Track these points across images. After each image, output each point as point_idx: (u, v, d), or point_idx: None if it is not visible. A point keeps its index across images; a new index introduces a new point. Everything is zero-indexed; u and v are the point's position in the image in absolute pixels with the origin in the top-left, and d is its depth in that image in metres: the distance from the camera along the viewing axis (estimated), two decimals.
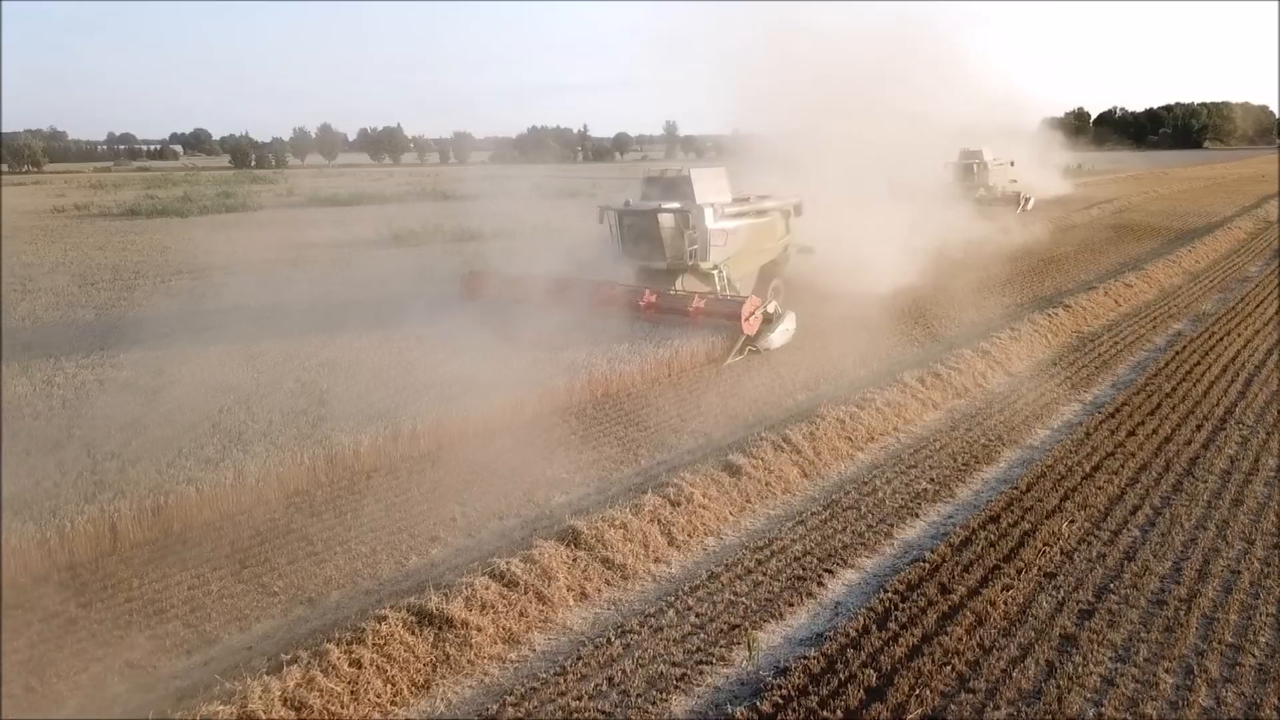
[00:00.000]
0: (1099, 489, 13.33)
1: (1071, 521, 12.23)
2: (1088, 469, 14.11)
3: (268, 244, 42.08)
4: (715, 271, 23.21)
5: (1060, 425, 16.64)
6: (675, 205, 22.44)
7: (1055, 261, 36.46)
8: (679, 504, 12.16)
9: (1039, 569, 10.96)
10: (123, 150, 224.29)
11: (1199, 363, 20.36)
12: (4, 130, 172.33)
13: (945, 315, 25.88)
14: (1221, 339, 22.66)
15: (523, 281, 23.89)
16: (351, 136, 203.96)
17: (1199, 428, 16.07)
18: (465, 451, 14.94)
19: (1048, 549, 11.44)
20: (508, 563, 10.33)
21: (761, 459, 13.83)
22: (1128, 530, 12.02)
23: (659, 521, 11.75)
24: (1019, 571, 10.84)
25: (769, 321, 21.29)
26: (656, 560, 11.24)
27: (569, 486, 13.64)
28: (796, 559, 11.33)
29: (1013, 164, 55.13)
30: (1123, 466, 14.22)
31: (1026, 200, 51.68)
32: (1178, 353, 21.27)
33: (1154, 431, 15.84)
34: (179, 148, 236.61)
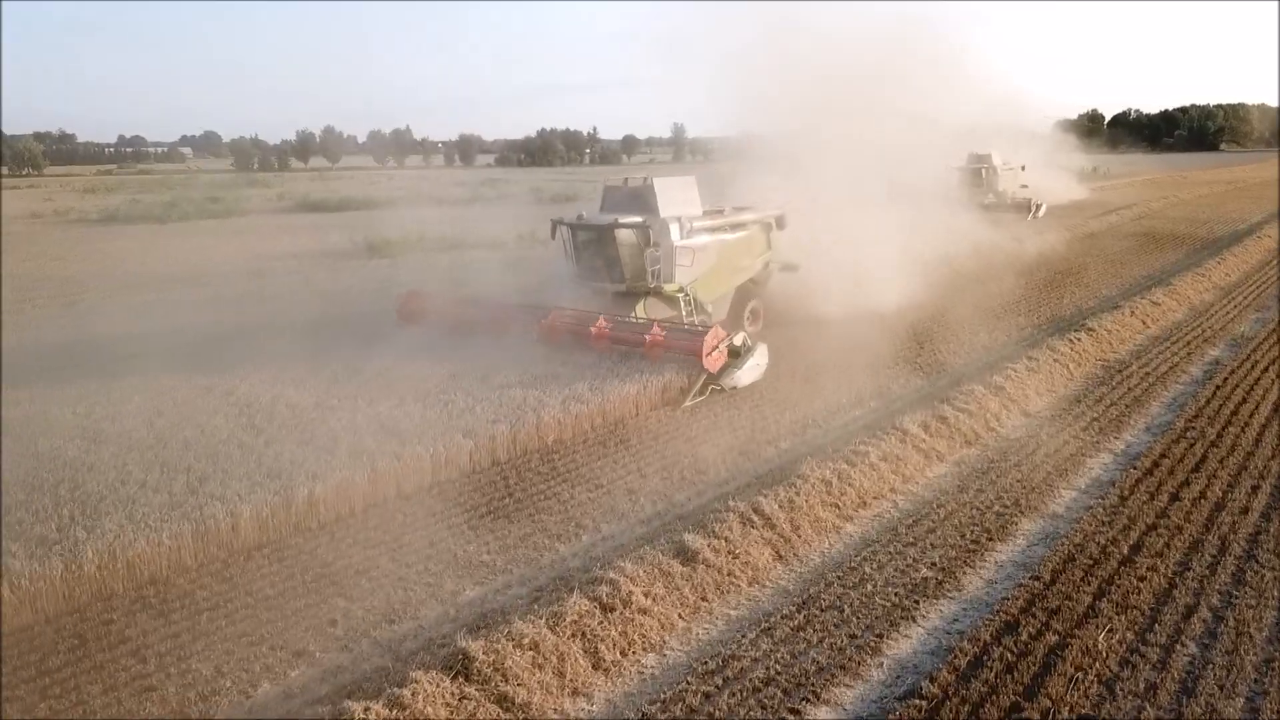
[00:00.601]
0: (1141, 580, 10.73)
1: (1110, 631, 9.66)
2: (1125, 550, 11.53)
3: (236, 254, 39.80)
4: (681, 295, 20.65)
5: (1088, 485, 14.03)
6: (636, 219, 19.93)
7: (1073, 274, 33.81)
8: (613, 609, 9.62)
9: (1071, 709, 8.39)
10: (130, 153, 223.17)
11: (1244, 400, 17.74)
12: (11, 133, 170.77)
13: (953, 339, 23.29)
14: (1266, 369, 20.03)
15: (466, 305, 21.45)
16: (362, 139, 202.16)
17: (1255, 489, 13.46)
18: (372, 523, 12.47)
19: (1081, 676, 8.86)
20: (366, 710, 7.81)
21: (725, 538, 11.29)
22: (1182, 646, 9.43)
23: (583, 636, 9.22)
24: (1045, 716, 8.27)
25: (736, 355, 18.55)
26: (574, 693, 8.70)
27: (488, 573, 11.14)
28: (756, 690, 8.78)
29: (1023, 168, 52.37)
30: (1168, 546, 11.63)
31: (1038, 207, 48.99)
32: (1218, 387, 18.66)
33: (1202, 495, 13.24)
34: (189, 150, 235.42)
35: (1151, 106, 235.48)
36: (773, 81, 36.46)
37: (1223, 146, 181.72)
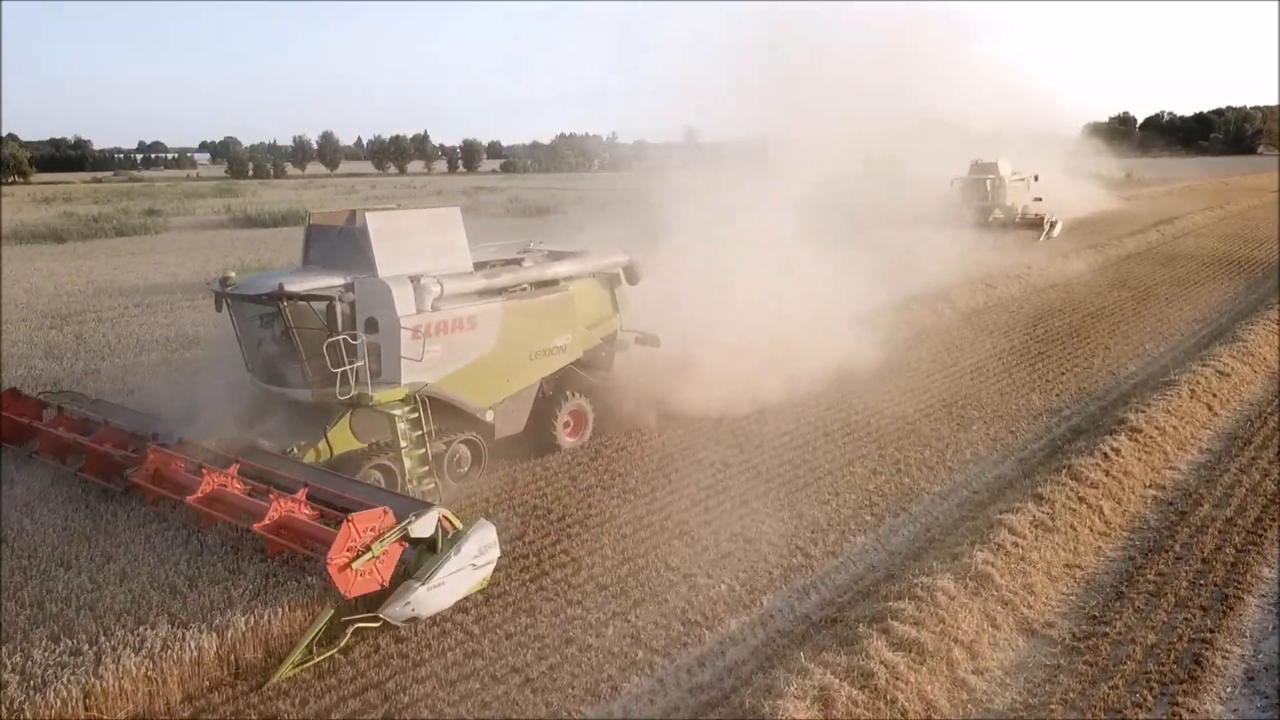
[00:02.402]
0: None
1: None
2: None
3: (84, 285, 32.73)
4: (404, 408, 12.21)
5: None
6: (326, 282, 11.97)
7: (1105, 318, 26.14)
8: None
9: None
10: (141, 159, 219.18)
11: None
12: (27, 139, 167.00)
13: (930, 443, 15.78)
14: None
15: (72, 424, 13.60)
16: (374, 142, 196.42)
17: None
18: None
19: None
20: None
21: None
22: None
23: None
24: None
25: (433, 549, 9.74)
26: None
27: None
28: None
29: (1036, 178, 44.27)
30: None
31: (1052, 225, 40.99)
32: None
33: None
34: (206, 156, 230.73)
35: (1185, 109, 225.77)
36: (755, 82, 30.63)
37: (1260, 150, 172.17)
